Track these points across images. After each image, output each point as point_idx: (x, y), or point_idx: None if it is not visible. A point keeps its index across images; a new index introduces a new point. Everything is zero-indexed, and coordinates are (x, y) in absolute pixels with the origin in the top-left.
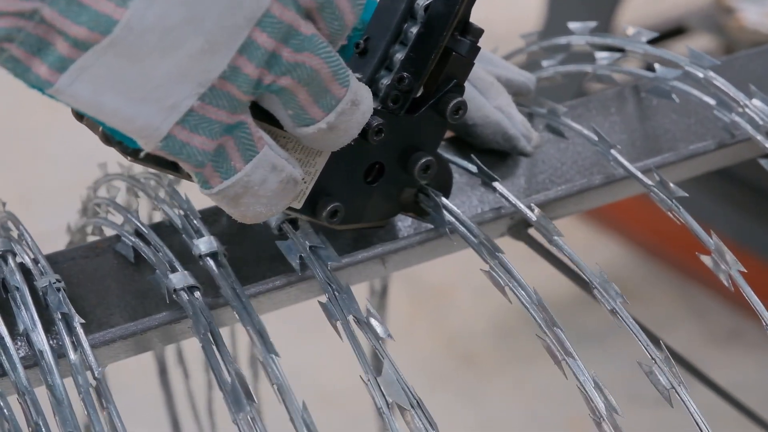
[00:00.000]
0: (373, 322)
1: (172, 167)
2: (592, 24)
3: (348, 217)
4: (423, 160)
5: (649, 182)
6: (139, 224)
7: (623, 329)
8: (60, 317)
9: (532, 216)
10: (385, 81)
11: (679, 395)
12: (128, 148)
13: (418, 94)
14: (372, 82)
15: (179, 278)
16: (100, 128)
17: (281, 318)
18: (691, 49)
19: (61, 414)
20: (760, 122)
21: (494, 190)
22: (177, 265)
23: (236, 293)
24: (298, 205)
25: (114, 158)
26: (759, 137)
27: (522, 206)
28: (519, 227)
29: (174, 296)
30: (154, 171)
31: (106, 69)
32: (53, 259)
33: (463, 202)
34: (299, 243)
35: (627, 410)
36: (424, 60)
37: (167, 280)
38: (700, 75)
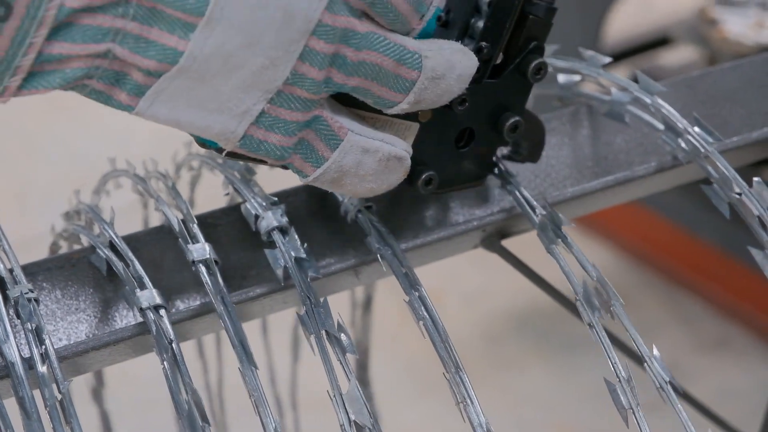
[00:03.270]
0: (343, 337)
1: (262, 160)
2: (555, 47)
3: (443, 183)
4: (511, 120)
5: (542, 212)
6: (113, 236)
7: (612, 339)
8: (31, 328)
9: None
10: None
11: (635, 417)
12: (219, 147)
13: (498, 60)
14: None
15: (146, 297)
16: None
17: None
18: (640, 74)
19: (29, 428)
20: (702, 150)
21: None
22: (146, 281)
23: (224, 303)
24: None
25: (122, 155)
26: (702, 164)
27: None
28: (492, 239)
29: (140, 314)
30: (161, 170)
31: (178, 90)
32: (29, 270)
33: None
34: (285, 253)
35: (611, 419)
36: (500, 29)
37: (134, 297)
38: (648, 101)
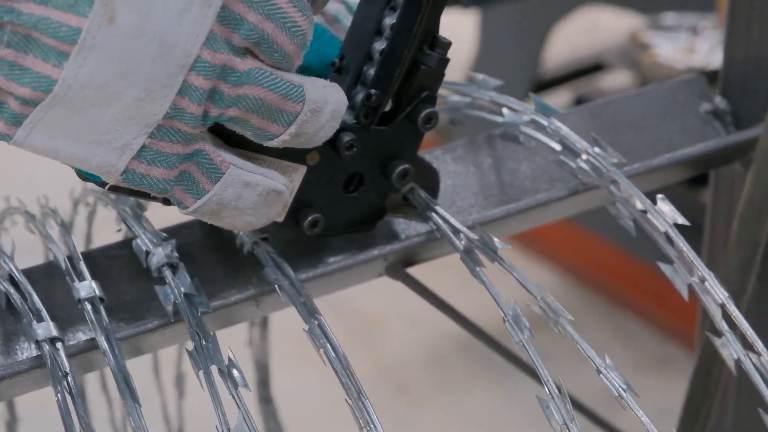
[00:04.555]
0: (235, 372)
1: (144, 194)
2: (497, 82)
3: (330, 227)
4: (400, 168)
5: (474, 236)
6: (12, 269)
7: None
8: None
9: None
10: (359, 97)
11: None
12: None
13: (387, 108)
14: (349, 99)
15: (43, 329)
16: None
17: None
18: (534, 98)
19: None
20: (604, 170)
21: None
22: (44, 314)
23: (108, 340)
24: (280, 219)
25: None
26: (604, 184)
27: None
28: (396, 266)
29: (36, 347)
30: (51, 207)
31: (55, 120)
32: None
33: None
34: (175, 289)
35: None
36: (390, 77)
37: (31, 330)
38: (545, 122)
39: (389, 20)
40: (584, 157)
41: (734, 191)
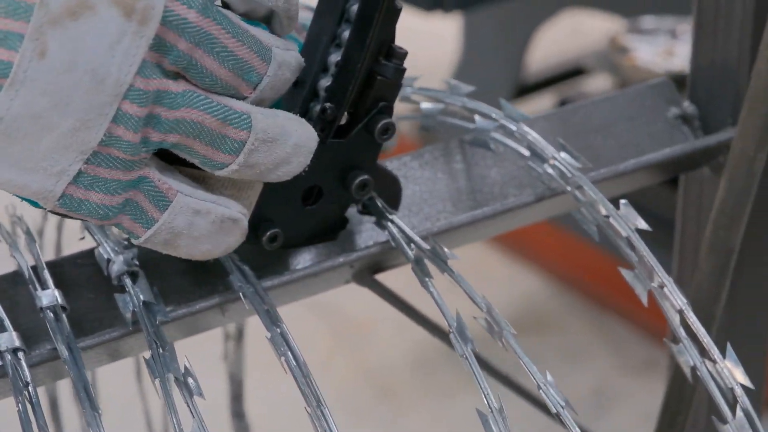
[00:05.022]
0: (190, 380)
1: (85, 219)
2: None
3: (290, 240)
4: (360, 179)
5: (426, 246)
6: None
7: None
8: None
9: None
10: (315, 110)
11: None
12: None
13: (343, 121)
14: (306, 113)
15: (5, 339)
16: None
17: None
18: (503, 102)
19: None
20: (569, 174)
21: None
22: (7, 324)
23: (69, 348)
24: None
25: None
26: (569, 188)
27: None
28: (363, 273)
29: None
30: (18, 215)
31: None
32: None
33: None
34: (134, 297)
35: None
36: (344, 89)
37: None
38: (513, 128)
39: (344, 32)
40: (551, 162)
41: (703, 195)
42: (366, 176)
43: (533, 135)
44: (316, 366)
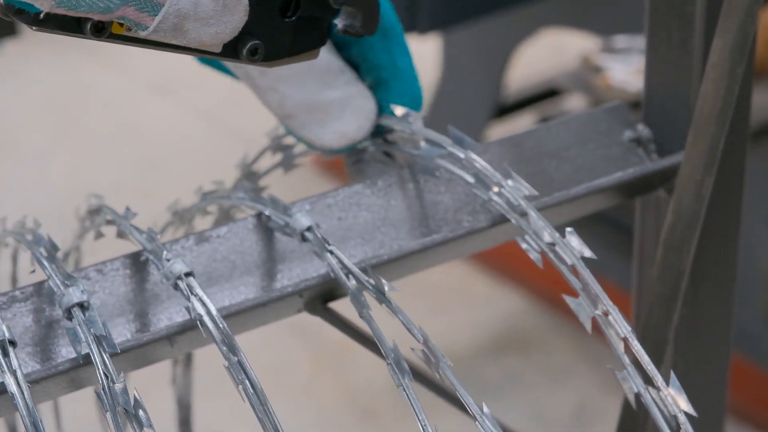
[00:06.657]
0: (141, 413)
1: (77, 29)
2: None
3: (270, 54)
4: None
5: (366, 278)
6: None
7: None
8: None
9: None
10: None
11: None
12: (30, 16)
13: None
14: None
15: None
16: (2, 1)
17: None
18: (452, 130)
19: None
20: (515, 202)
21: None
22: None
23: (17, 383)
24: (218, 49)
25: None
26: (512, 216)
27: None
28: (315, 303)
29: None
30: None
31: None
32: None
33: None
34: (84, 330)
35: None
36: None
37: None
38: (461, 155)
39: None
40: (495, 189)
41: (659, 218)
42: None
43: (480, 162)
44: (297, 389)
